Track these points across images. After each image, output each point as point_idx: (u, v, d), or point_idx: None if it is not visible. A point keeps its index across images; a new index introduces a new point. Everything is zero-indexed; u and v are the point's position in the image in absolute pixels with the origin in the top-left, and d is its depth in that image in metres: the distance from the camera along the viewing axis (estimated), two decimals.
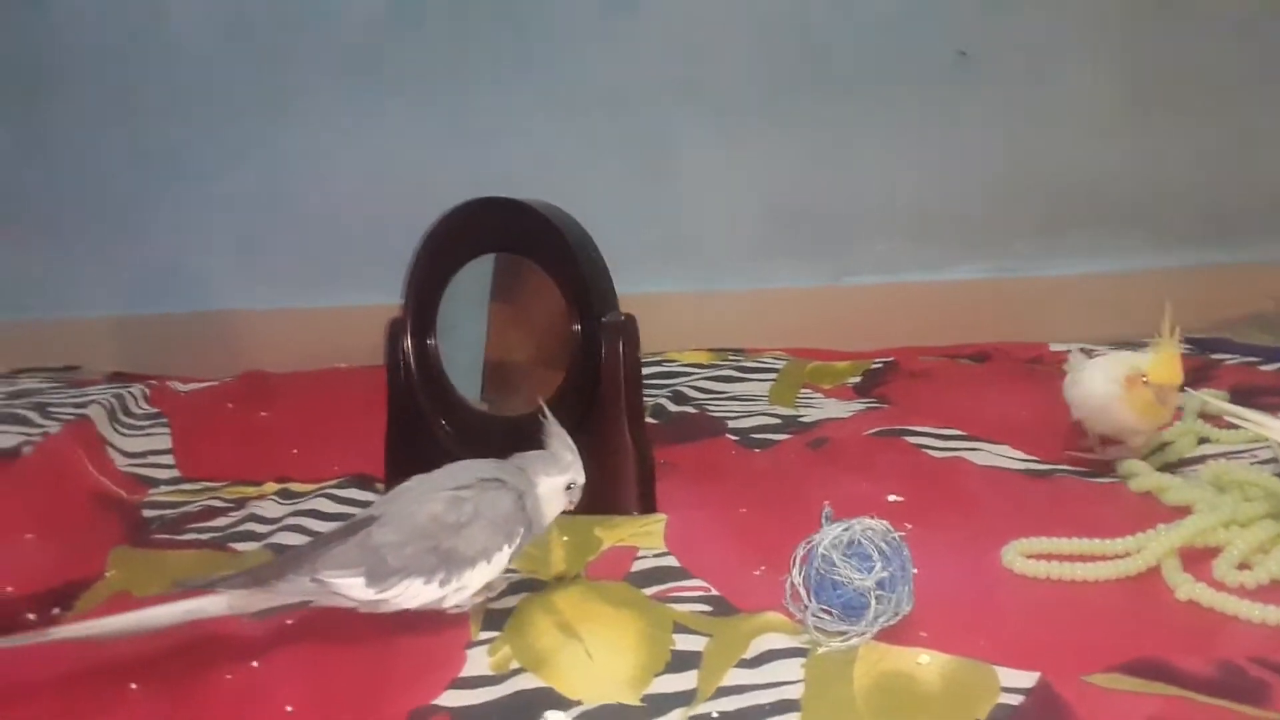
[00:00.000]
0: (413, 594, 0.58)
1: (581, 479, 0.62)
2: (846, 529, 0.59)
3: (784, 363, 1.07)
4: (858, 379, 1.03)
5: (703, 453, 0.86)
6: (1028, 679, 0.54)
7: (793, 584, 0.60)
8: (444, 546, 0.58)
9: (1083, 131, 1.17)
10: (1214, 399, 0.87)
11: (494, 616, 0.61)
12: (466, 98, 1.17)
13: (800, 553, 0.60)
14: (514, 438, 0.77)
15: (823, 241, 1.19)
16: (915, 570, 0.60)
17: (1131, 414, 0.75)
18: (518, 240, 0.77)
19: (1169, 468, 0.78)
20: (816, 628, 0.58)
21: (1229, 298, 1.15)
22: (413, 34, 1.16)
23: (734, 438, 0.88)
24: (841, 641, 0.58)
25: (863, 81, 1.16)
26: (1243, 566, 0.63)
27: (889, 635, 0.58)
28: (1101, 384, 0.76)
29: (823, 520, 0.61)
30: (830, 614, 0.58)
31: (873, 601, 0.58)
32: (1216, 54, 1.15)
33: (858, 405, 0.95)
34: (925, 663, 0.55)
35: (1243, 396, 0.90)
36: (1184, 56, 1.15)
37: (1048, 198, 1.18)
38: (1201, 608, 0.60)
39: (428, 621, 0.60)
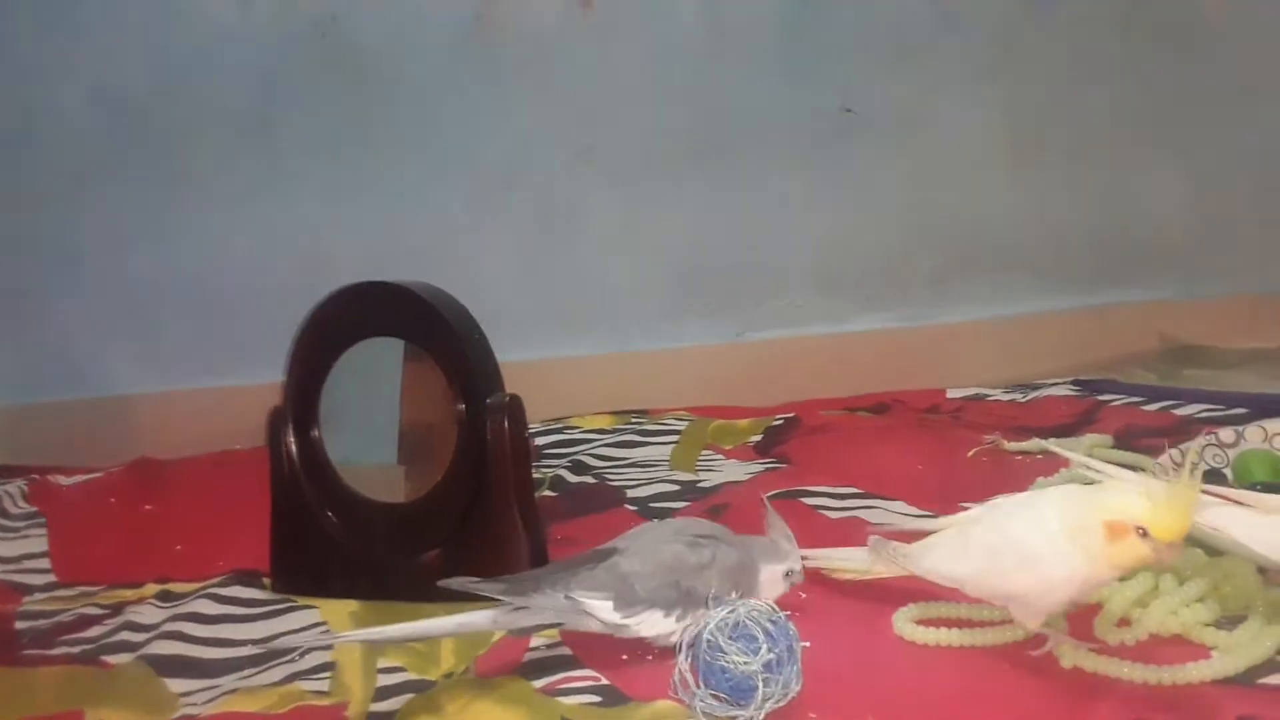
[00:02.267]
0: (652, 624, 0.62)
1: (799, 566, 0.66)
2: (731, 611, 0.58)
3: (687, 423, 1.07)
4: (759, 437, 1.03)
5: (601, 525, 0.84)
6: None
7: (680, 670, 0.59)
8: (685, 584, 0.62)
9: (968, 181, 1.20)
10: (1097, 447, 0.90)
11: None
12: (362, 170, 1.15)
13: (687, 638, 0.59)
14: (403, 527, 0.76)
15: (725, 299, 1.20)
16: (806, 644, 0.60)
17: (1114, 573, 0.57)
18: (398, 324, 0.75)
19: None
20: (705, 714, 0.58)
21: (1117, 338, 1.18)
22: (305, 107, 1.14)
23: (633, 508, 0.88)
24: None
25: (758, 141, 1.18)
26: (1123, 623, 0.64)
27: (777, 717, 0.57)
28: (1062, 544, 0.56)
29: (708, 603, 0.60)
30: (720, 699, 0.58)
31: (760, 684, 0.57)
32: (1089, 102, 1.19)
33: (757, 466, 0.95)
34: None
35: (1127, 438, 0.92)
36: (1058, 105, 1.19)
37: (940, 247, 1.21)
38: (1085, 670, 0.60)
39: None
